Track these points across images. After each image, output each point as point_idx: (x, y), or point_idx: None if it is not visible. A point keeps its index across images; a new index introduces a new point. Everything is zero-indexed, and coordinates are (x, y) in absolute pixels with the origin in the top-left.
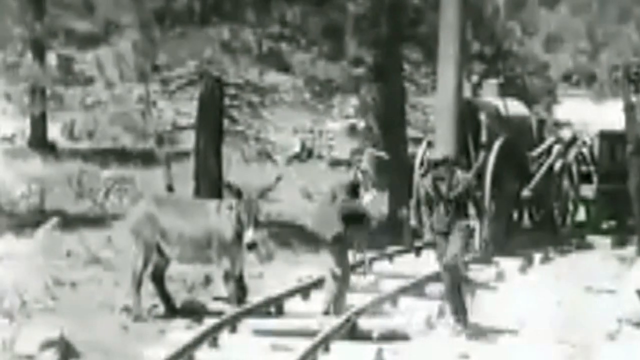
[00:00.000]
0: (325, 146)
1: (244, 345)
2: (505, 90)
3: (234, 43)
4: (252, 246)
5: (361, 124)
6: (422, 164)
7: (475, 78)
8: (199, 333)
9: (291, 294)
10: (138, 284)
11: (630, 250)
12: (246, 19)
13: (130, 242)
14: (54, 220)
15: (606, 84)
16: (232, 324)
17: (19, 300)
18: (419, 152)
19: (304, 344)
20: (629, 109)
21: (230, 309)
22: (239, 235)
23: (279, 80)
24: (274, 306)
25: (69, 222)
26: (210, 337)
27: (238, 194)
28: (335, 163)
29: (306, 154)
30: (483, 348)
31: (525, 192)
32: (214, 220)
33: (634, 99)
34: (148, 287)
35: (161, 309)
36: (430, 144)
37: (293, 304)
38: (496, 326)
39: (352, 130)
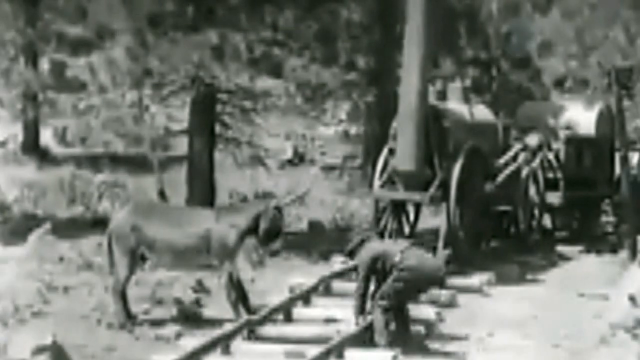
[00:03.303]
0: (318, 151)
1: (256, 353)
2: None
3: (223, 48)
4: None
5: (353, 129)
6: (382, 173)
7: (439, 83)
8: (209, 340)
9: (296, 299)
10: (121, 292)
11: (622, 256)
12: (238, 24)
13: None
14: (47, 225)
15: (599, 89)
16: (240, 331)
17: (11, 305)
18: (380, 160)
19: (318, 351)
20: (619, 113)
21: (233, 316)
22: (241, 240)
23: (271, 85)
24: (282, 313)
25: (61, 227)
26: (222, 344)
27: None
28: (327, 168)
29: (298, 159)
30: (477, 354)
31: (488, 187)
32: (214, 226)
33: (625, 102)
34: (144, 291)
35: (155, 313)
36: (392, 152)
37: (296, 310)
38: (489, 332)
39: (345, 135)
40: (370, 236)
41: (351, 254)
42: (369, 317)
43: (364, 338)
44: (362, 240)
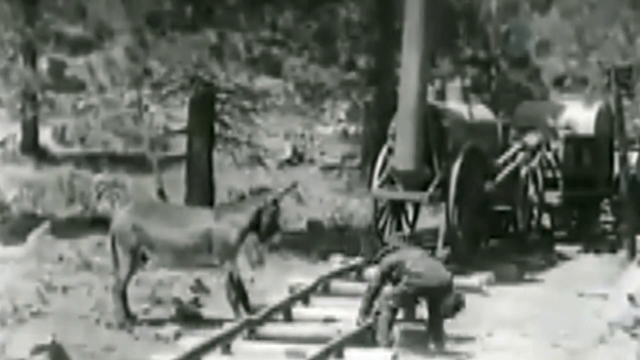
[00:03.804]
0: (317, 151)
1: (256, 352)
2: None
3: (222, 48)
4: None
5: (352, 129)
6: (381, 173)
7: (438, 83)
8: (209, 340)
9: (295, 299)
10: (121, 292)
11: (621, 255)
12: (237, 24)
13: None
14: (46, 224)
15: (598, 88)
16: (240, 330)
17: (10, 305)
18: (379, 160)
19: (318, 350)
20: (619, 112)
21: (233, 316)
22: (242, 238)
23: (270, 84)
24: (282, 312)
25: (60, 227)
26: (222, 343)
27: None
28: (326, 168)
29: (297, 159)
30: (476, 354)
31: (488, 186)
32: (214, 225)
33: (625, 102)
34: (143, 291)
35: (154, 313)
36: (391, 151)
37: (295, 310)
38: (489, 331)
39: (344, 134)
40: (398, 247)
41: (377, 261)
42: (370, 318)
43: (364, 337)
44: (393, 248)
